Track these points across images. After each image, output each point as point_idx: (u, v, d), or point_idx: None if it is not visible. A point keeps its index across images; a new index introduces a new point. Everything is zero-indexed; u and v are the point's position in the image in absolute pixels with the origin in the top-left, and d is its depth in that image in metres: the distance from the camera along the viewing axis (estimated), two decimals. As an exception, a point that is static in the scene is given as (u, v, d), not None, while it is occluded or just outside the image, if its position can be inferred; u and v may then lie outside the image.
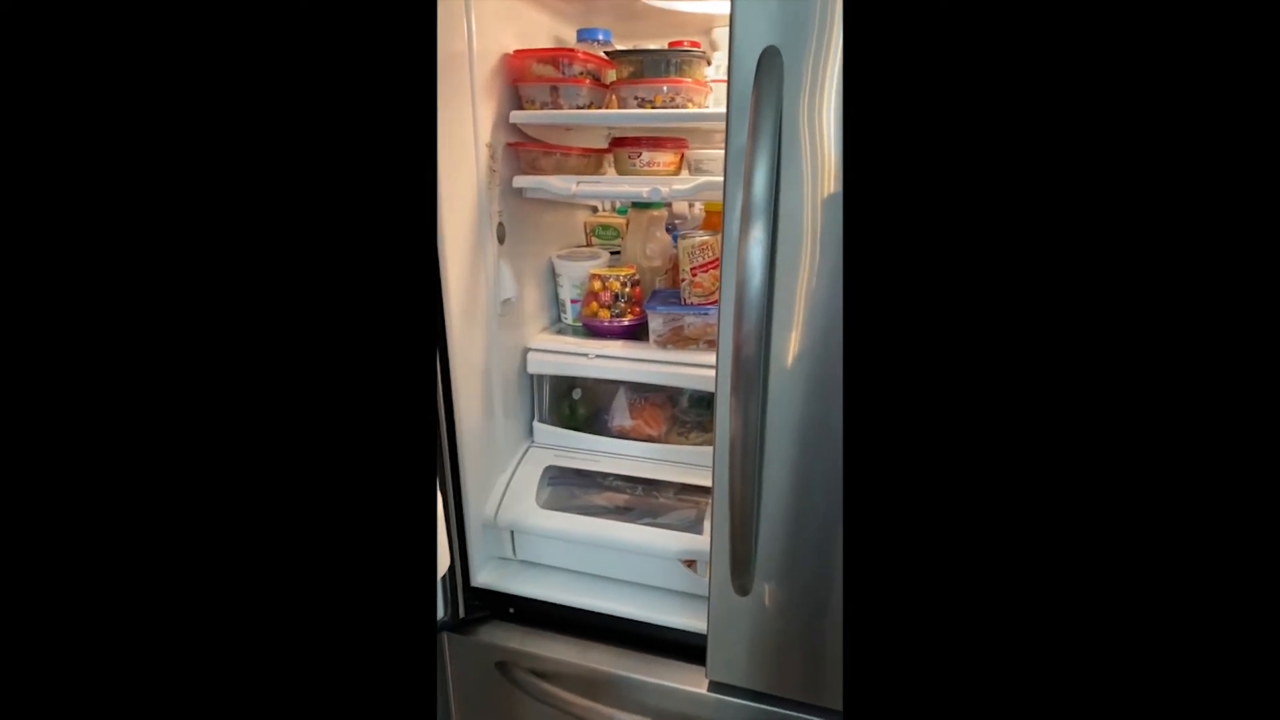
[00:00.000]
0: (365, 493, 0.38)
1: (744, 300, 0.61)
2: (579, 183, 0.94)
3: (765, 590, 0.75)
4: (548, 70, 0.92)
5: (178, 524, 0.36)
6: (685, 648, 0.88)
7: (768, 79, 0.57)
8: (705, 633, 0.81)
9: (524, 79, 0.94)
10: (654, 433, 1.05)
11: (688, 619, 0.89)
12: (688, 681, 0.85)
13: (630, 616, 0.92)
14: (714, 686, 0.83)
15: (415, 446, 0.39)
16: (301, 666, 0.37)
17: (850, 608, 0.42)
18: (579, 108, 0.93)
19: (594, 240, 1.23)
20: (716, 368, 0.68)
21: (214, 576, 0.36)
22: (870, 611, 0.41)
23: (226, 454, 0.36)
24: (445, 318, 0.86)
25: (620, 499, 1.02)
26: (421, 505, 0.40)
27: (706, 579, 0.80)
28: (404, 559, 0.39)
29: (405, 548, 0.39)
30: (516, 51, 0.94)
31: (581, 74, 0.93)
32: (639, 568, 0.96)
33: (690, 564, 0.93)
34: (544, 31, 1.04)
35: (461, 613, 0.95)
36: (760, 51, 0.57)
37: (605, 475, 1.03)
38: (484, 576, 0.99)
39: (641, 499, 1.01)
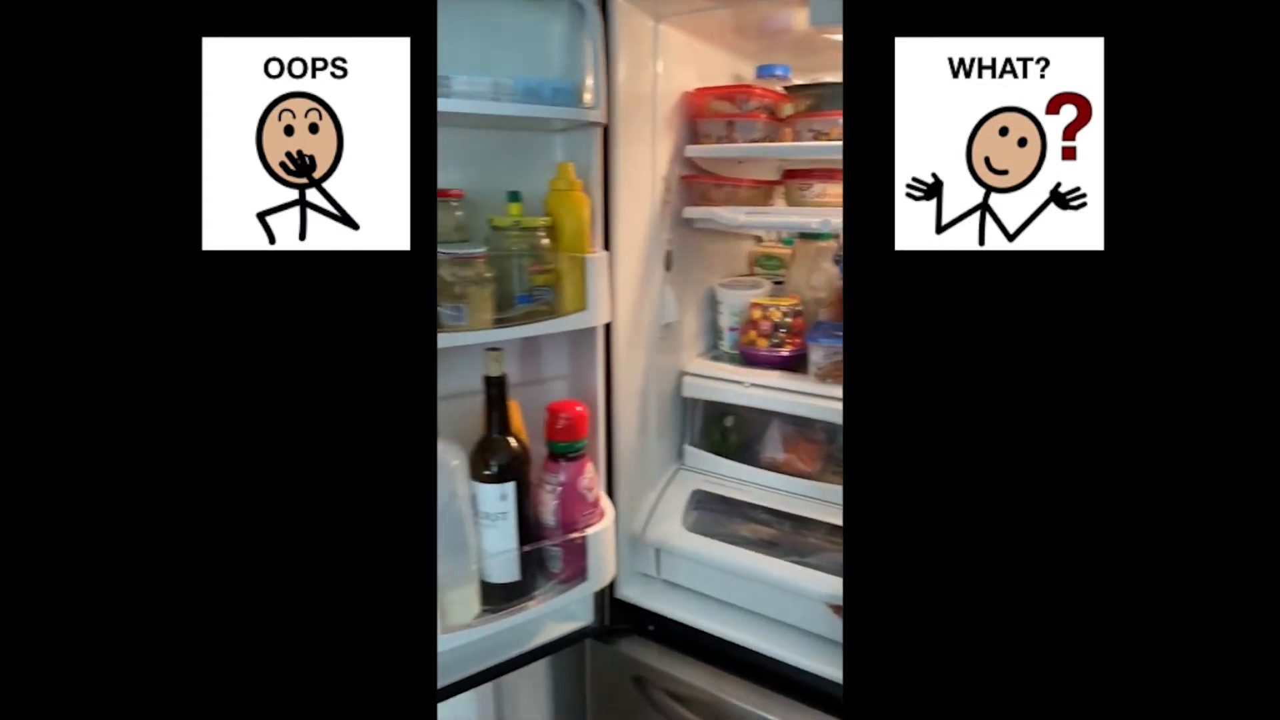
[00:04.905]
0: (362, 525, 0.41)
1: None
2: (747, 213, 0.95)
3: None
4: (725, 106, 0.96)
5: (193, 530, 0.40)
6: (821, 695, 0.84)
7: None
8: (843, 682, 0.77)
9: (701, 114, 0.98)
10: (807, 469, 1.02)
11: (825, 665, 0.86)
12: (823, 731, 0.82)
13: (767, 653, 0.90)
14: (852, 742, 0.79)
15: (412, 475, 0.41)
16: (303, 690, 0.40)
17: (850, 628, 0.47)
18: (753, 141, 0.96)
19: (757, 270, 1.24)
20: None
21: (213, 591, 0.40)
22: (874, 628, 0.45)
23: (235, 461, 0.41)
24: (612, 339, 0.91)
25: (766, 532, 1.01)
26: (420, 548, 0.42)
27: (852, 627, 0.76)
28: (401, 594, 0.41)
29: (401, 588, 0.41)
30: (696, 89, 0.98)
31: (757, 108, 0.95)
32: (780, 605, 0.93)
33: (838, 609, 0.89)
34: (724, 69, 1.08)
35: (606, 621, 0.99)
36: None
37: (753, 506, 1.02)
38: (627, 590, 1.02)
39: (789, 535, 0.99)
